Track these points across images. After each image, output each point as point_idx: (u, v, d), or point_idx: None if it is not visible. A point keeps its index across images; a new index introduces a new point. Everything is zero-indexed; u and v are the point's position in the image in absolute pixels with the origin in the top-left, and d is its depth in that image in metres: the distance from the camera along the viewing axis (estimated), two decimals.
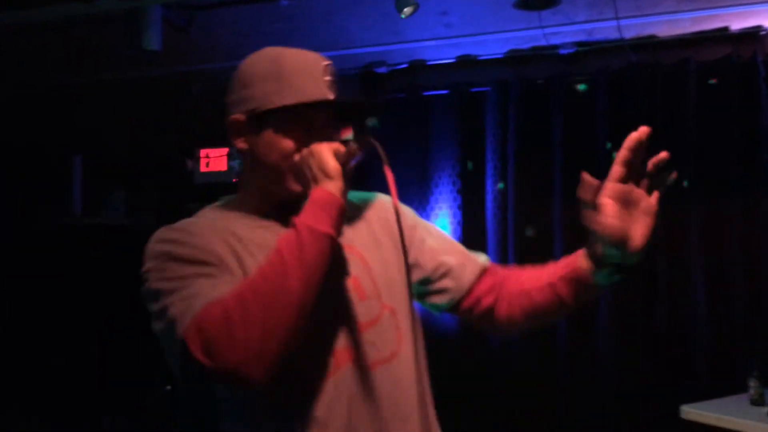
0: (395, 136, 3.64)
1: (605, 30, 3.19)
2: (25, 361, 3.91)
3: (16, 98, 4.35)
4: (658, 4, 2.96)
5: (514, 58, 3.48)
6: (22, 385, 3.86)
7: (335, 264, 1.06)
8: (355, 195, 1.31)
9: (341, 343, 1.11)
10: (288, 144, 1.15)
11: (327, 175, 1.08)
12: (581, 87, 3.39)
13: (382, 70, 3.74)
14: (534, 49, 3.44)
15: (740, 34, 3.12)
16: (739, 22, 3.11)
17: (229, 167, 3.92)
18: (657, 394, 3.02)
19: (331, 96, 1.16)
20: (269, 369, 0.95)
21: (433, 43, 3.46)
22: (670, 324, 3.08)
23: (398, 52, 3.61)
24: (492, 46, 3.48)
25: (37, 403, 3.82)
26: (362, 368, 1.11)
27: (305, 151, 1.12)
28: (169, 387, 3.28)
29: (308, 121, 1.16)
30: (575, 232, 3.46)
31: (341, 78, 1.21)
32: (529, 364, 3.33)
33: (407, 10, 2.57)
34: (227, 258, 1.08)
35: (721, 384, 2.66)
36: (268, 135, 1.16)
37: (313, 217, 1.04)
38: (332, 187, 1.07)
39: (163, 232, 1.14)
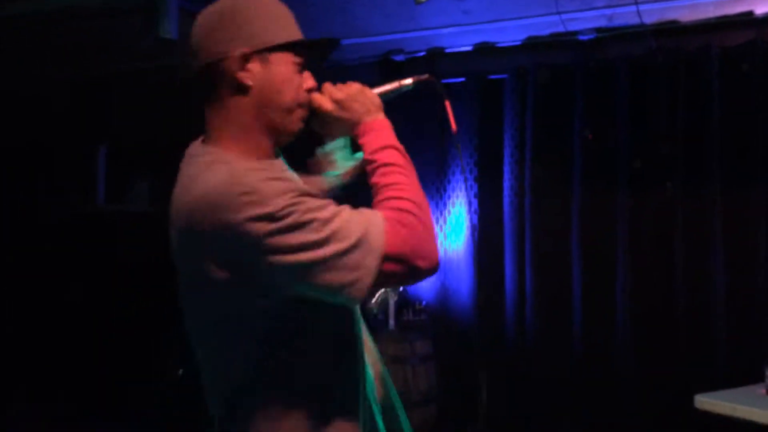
0: (412, 123, 3.63)
1: (625, 15, 3.13)
2: (45, 340, 4.01)
3: (42, 90, 4.43)
4: None
5: (533, 44, 3.45)
6: (38, 367, 3.95)
7: None
8: None
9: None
10: (300, 80, 1.18)
11: (379, 108, 1.25)
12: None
13: (400, 58, 3.73)
14: (553, 35, 3.40)
15: (765, 18, 3.05)
16: (763, 6, 3.03)
17: None
18: (673, 383, 2.99)
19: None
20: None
21: (451, 30, 3.44)
22: (688, 313, 3.04)
23: (416, 40, 3.59)
24: (510, 33, 3.45)
25: (54, 383, 3.91)
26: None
27: (354, 87, 1.25)
28: (181, 371, 3.34)
29: (307, 61, 1.20)
30: (593, 220, 3.43)
31: None
32: (544, 349, 3.32)
33: None
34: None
35: (737, 374, 2.62)
36: (280, 70, 1.15)
37: (395, 140, 1.22)
38: (384, 116, 1.24)
39: (255, 175, 1.04)
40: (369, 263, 1.02)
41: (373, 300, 3.45)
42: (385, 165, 1.16)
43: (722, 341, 2.95)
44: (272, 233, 0.99)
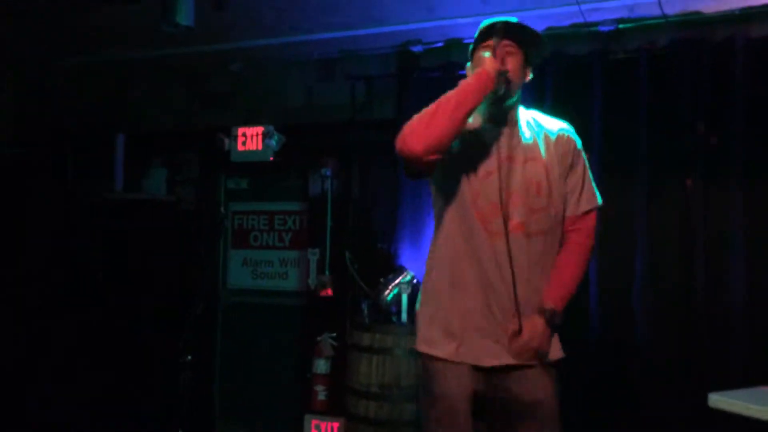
0: None
1: (647, 6, 3.08)
2: (60, 322, 4.06)
3: (61, 77, 4.47)
4: None
5: (552, 35, 3.39)
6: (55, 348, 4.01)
7: (528, 169, 1.92)
8: (551, 121, 2.05)
9: (517, 217, 1.88)
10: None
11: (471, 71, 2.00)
12: None
13: (418, 48, 3.70)
14: (572, 26, 3.35)
15: None
16: None
17: (265, 146, 3.95)
18: (688, 381, 2.94)
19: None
20: (427, 147, 1.79)
21: (469, 20, 3.40)
22: (707, 311, 2.99)
23: (434, 30, 3.56)
24: (529, 24, 3.38)
25: (70, 364, 3.96)
26: (528, 235, 1.89)
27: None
28: (189, 357, 3.37)
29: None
30: (611, 215, 3.38)
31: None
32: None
33: None
34: None
35: (756, 374, 2.57)
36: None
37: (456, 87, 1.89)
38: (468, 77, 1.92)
39: None
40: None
41: (386, 292, 3.44)
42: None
43: (741, 340, 2.90)
44: None
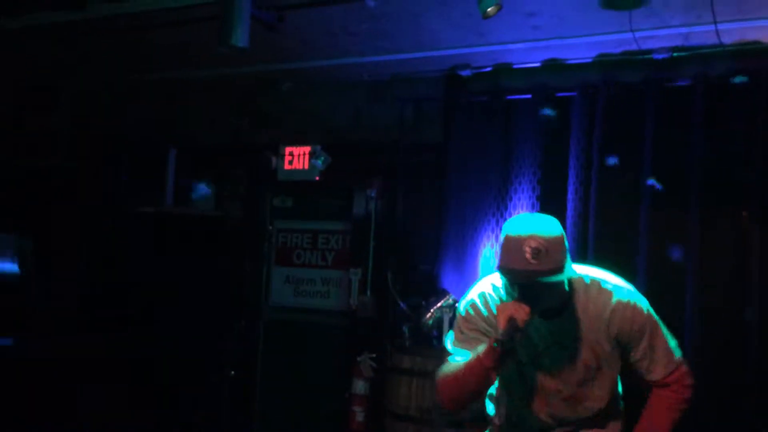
0: (475, 139, 3.60)
1: (703, 35, 3.02)
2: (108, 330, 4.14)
3: (116, 93, 4.61)
4: (763, 7, 2.78)
5: (604, 62, 3.36)
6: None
7: (577, 351, 1.90)
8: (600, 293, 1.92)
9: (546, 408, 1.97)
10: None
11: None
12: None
13: (466, 72, 3.70)
14: (625, 53, 3.31)
15: None
16: None
17: (311, 165, 4.00)
18: (740, 412, 2.84)
19: (519, 266, 1.76)
20: (456, 407, 1.98)
21: (519, 45, 3.40)
22: (760, 343, 2.89)
23: (483, 55, 3.57)
24: (580, 50, 3.38)
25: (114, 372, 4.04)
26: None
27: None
28: (233, 372, 3.39)
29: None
30: (661, 246, 3.29)
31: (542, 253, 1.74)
32: None
33: (490, 10, 2.54)
34: None
35: None
36: None
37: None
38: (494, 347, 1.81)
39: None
40: None
41: (428, 316, 3.42)
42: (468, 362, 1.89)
43: None
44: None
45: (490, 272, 2.09)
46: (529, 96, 3.55)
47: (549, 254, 1.71)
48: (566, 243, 1.81)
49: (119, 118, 4.75)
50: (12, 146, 4.63)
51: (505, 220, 3.54)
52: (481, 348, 1.78)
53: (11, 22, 3.21)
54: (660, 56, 3.24)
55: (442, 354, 2.04)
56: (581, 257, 3.35)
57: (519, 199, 3.55)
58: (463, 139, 3.68)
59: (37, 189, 4.55)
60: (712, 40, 3.00)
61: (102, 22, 3.17)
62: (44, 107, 4.73)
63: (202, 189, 4.59)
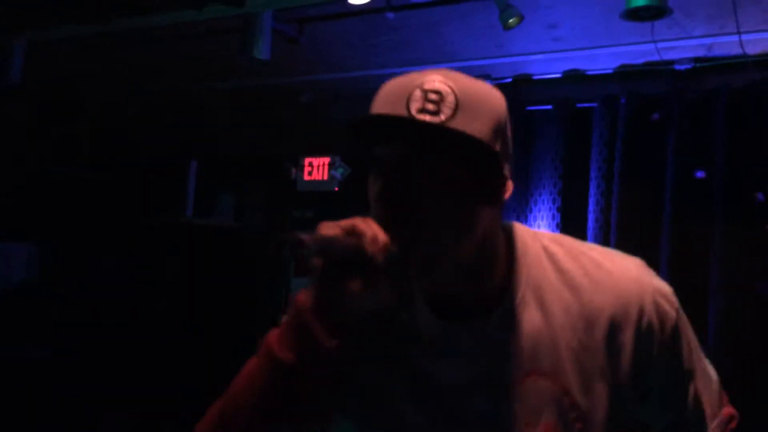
0: None
1: (727, 45, 2.99)
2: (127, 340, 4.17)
3: (137, 103, 4.67)
4: None
5: (625, 73, 3.34)
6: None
7: (527, 405, 0.93)
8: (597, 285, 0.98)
9: None
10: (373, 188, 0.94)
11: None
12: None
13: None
14: (647, 64, 3.29)
15: None
16: None
17: (330, 176, 4.01)
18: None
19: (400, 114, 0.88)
20: None
21: (539, 56, 3.39)
22: None
23: (503, 66, 3.56)
24: (601, 61, 3.37)
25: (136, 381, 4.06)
26: None
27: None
28: None
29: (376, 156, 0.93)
30: (684, 261, 3.26)
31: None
32: None
33: (512, 22, 2.53)
34: None
35: None
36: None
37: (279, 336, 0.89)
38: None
39: None
40: None
41: None
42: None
43: None
44: None
45: None
46: (549, 107, 3.54)
47: (462, 112, 0.86)
48: (508, 127, 0.95)
49: (142, 129, 4.81)
50: (37, 155, 4.70)
51: None
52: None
53: (40, 34, 3.28)
54: (682, 67, 3.21)
55: None
56: None
57: (539, 210, 3.52)
58: None
59: (60, 197, 4.61)
60: (736, 50, 2.96)
61: (125, 35, 3.22)
62: (69, 117, 4.80)
63: (223, 200, 4.62)
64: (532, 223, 3.54)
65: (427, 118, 0.87)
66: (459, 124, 0.87)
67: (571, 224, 3.45)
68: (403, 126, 0.89)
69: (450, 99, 0.88)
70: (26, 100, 4.54)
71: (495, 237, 0.96)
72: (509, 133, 0.96)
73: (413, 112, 0.87)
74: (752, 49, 2.97)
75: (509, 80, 3.65)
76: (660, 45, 2.97)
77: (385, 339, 1.00)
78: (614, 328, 0.95)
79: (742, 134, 3.07)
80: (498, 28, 2.67)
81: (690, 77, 3.21)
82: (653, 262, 3.21)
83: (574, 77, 3.49)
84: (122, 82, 4.36)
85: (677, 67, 3.21)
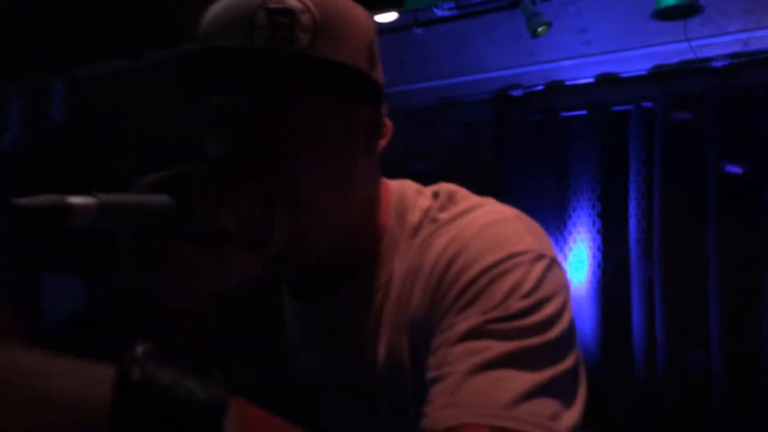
0: (532, 159, 3.54)
1: (763, 39, 2.91)
2: None
3: (180, 134, 4.76)
4: None
5: (660, 74, 3.28)
6: None
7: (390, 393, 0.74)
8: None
9: None
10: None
11: None
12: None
13: (518, 93, 3.67)
14: (682, 63, 3.22)
15: None
16: None
17: None
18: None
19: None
20: None
21: (571, 62, 3.34)
22: None
23: (534, 74, 3.53)
24: (635, 63, 3.31)
25: None
26: None
27: None
28: None
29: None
30: (732, 260, 3.18)
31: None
32: (675, 393, 3.07)
33: (540, 30, 2.51)
34: None
35: None
36: None
37: None
38: None
39: None
40: None
41: None
42: None
43: None
44: None
45: None
46: (584, 112, 3.49)
47: (324, 35, 0.68)
48: (374, 46, 0.76)
49: (183, 159, 4.88)
50: (77, 190, 4.81)
51: (565, 238, 3.47)
52: None
53: (78, 71, 3.38)
54: (719, 64, 3.13)
55: None
56: (647, 271, 3.23)
57: (578, 216, 3.47)
58: (516, 161, 3.64)
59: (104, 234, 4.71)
60: None
61: (157, 67, 3.30)
62: (111, 151, 4.92)
63: None
64: (572, 229, 3.48)
65: (279, 48, 0.66)
66: (323, 51, 0.67)
67: (612, 230, 3.39)
68: (246, 62, 0.67)
69: (306, 19, 0.67)
70: (69, 138, 4.68)
71: (371, 197, 0.78)
72: (379, 60, 0.76)
73: (259, 42, 0.66)
74: None
75: (541, 88, 3.62)
76: (694, 43, 2.90)
77: (255, 329, 0.81)
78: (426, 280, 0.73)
79: None
80: (525, 37, 2.65)
81: (728, 74, 3.13)
82: (701, 265, 3.13)
83: (608, 81, 3.44)
84: (160, 115, 4.45)
85: (714, 64, 3.13)
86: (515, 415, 0.60)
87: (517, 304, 0.66)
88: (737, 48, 3.06)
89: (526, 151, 3.58)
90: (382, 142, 0.77)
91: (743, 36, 2.92)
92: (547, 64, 3.40)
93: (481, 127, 3.82)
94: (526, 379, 0.62)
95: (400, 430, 0.74)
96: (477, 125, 3.83)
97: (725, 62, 3.11)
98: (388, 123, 0.77)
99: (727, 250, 3.04)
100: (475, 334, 0.65)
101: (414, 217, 0.78)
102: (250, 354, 0.81)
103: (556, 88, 3.57)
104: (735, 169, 3.11)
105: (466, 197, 0.80)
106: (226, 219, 0.62)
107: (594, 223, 3.41)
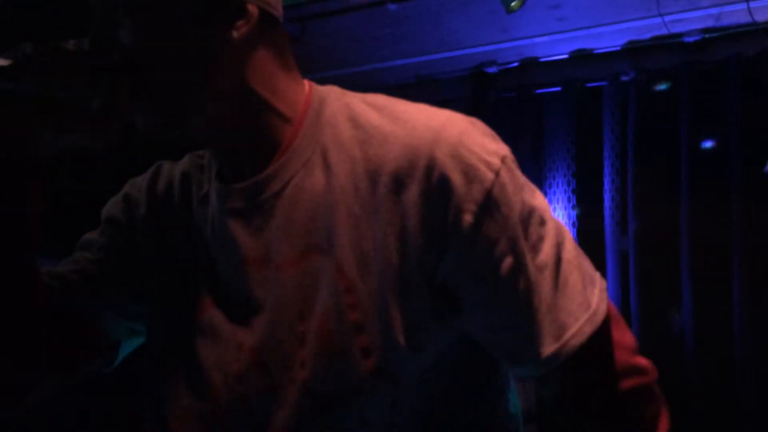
0: (507, 136, 3.56)
1: (735, 14, 2.94)
2: None
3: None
4: None
5: (633, 49, 3.30)
6: None
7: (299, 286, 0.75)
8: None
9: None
10: None
11: None
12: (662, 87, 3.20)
13: (493, 69, 3.67)
14: (655, 38, 3.24)
15: None
16: None
17: None
18: None
19: None
20: None
21: (545, 39, 3.35)
22: None
23: (509, 51, 3.53)
24: (608, 39, 3.33)
25: None
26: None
27: None
28: None
29: None
30: (704, 234, 3.24)
31: None
32: None
33: (514, 5, 2.51)
34: None
35: None
36: None
37: None
38: None
39: None
40: None
41: None
42: None
43: None
44: None
45: None
46: (558, 89, 3.51)
47: None
48: None
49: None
50: None
51: None
52: None
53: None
54: (691, 39, 3.17)
55: None
56: (621, 246, 3.29)
57: (554, 193, 3.50)
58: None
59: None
60: (745, 18, 2.92)
61: None
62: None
63: None
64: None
65: None
66: None
67: (587, 205, 3.43)
68: None
69: None
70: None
71: (264, 85, 0.85)
72: None
73: None
74: (762, 16, 2.92)
75: (516, 64, 3.63)
76: (667, 18, 2.93)
77: (182, 215, 0.87)
78: (398, 184, 0.73)
79: (756, 103, 3.02)
80: (500, 13, 2.65)
81: (700, 49, 3.16)
82: (674, 239, 3.19)
83: (582, 57, 3.46)
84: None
85: (686, 39, 3.16)
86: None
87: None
88: (709, 23, 3.09)
89: (502, 128, 3.56)
90: (243, 29, 0.79)
91: (715, 11, 2.95)
92: (521, 41, 3.40)
93: (458, 103, 3.83)
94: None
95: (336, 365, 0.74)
96: (453, 102, 3.84)
97: (697, 37, 3.14)
98: (251, 9, 0.79)
99: (699, 223, 3.09)
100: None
101: (354, 114, 0.83)
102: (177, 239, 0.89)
103: (530, 64, 3.57)
104: (707, 144, 3.16)
105: (403, 104, 0.86)
106: (61, 87, 0.69)
107: (569, 199, 3.44)
